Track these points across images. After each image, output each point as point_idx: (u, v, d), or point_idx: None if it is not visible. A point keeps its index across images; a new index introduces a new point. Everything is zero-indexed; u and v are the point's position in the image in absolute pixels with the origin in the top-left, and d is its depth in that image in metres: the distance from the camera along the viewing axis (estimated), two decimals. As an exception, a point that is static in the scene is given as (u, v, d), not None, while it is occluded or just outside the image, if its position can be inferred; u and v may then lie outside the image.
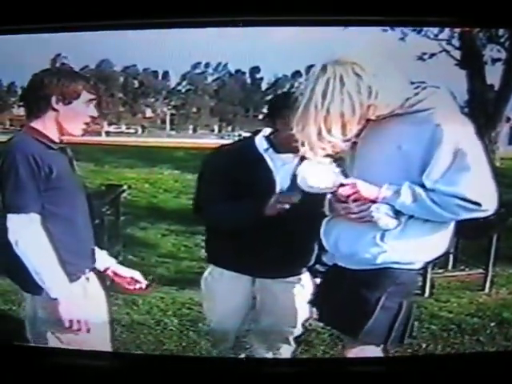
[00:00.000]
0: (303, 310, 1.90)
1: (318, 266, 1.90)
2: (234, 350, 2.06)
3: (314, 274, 1.92)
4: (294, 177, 1.67)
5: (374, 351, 1.59)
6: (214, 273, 1.95)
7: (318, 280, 1.90)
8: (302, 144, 1.49)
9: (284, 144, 1.74)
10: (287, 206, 1.70)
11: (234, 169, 1.77)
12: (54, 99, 1.59)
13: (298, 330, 1.96)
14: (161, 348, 2.23)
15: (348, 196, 1.53)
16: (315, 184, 1.56)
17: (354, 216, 1.54)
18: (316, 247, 1.84)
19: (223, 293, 1.93)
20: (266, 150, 1.80)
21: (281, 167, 1.79)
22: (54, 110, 1.60)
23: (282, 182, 1.79)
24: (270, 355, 1.97)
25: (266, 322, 1.95)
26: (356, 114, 1.43)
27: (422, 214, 1.49)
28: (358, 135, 1.51)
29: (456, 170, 1.42)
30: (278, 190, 1.78)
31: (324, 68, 1.43)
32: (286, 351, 1.97)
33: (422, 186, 1.46)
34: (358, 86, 1.41)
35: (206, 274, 1.98)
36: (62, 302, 1.57)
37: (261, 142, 1.82)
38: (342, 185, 1.54)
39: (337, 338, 2.13)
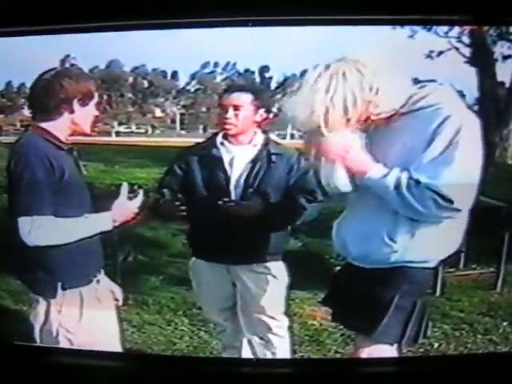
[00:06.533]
0: (277, 300, 1.97)
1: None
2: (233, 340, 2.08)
3: (290, 265, 1.96)
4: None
5: (387, 350, 1.58)
6: (196, 264, 2.03)
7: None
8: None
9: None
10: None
11: (198, 164, 1.94)
12: (75, 101, 1.59)
13: (283, 321, 1.99)
14: (172, 348, 2.24)
15: (331, 153, 1.48)
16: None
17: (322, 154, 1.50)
18: (286, 236, 1.96)
19: (206, 283, 2.02)
20: (222, 143, 1.93)
21: (233, 159, 1.91)
22: (72, 111, 1.60)
23: (235, 173, 1.91)
24: (263, 346, 2.01)
25: (245, 310, 2.00)
26: (358, 108, 1.44)
27: (399, 207, 1.46)
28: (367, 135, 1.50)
29: (441, 162, 1.40)
30: (231, 183, 1.91)
31: (327, 66, 1.45)
32: (279, 344, 1.99)
33: (411, 177, 1.43)
34: (360, 82, 1.43)
35: (189, 265, 2.07)
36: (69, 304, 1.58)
37: (219, 137, 1.94)
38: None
39: (348, 337, 2.13)
